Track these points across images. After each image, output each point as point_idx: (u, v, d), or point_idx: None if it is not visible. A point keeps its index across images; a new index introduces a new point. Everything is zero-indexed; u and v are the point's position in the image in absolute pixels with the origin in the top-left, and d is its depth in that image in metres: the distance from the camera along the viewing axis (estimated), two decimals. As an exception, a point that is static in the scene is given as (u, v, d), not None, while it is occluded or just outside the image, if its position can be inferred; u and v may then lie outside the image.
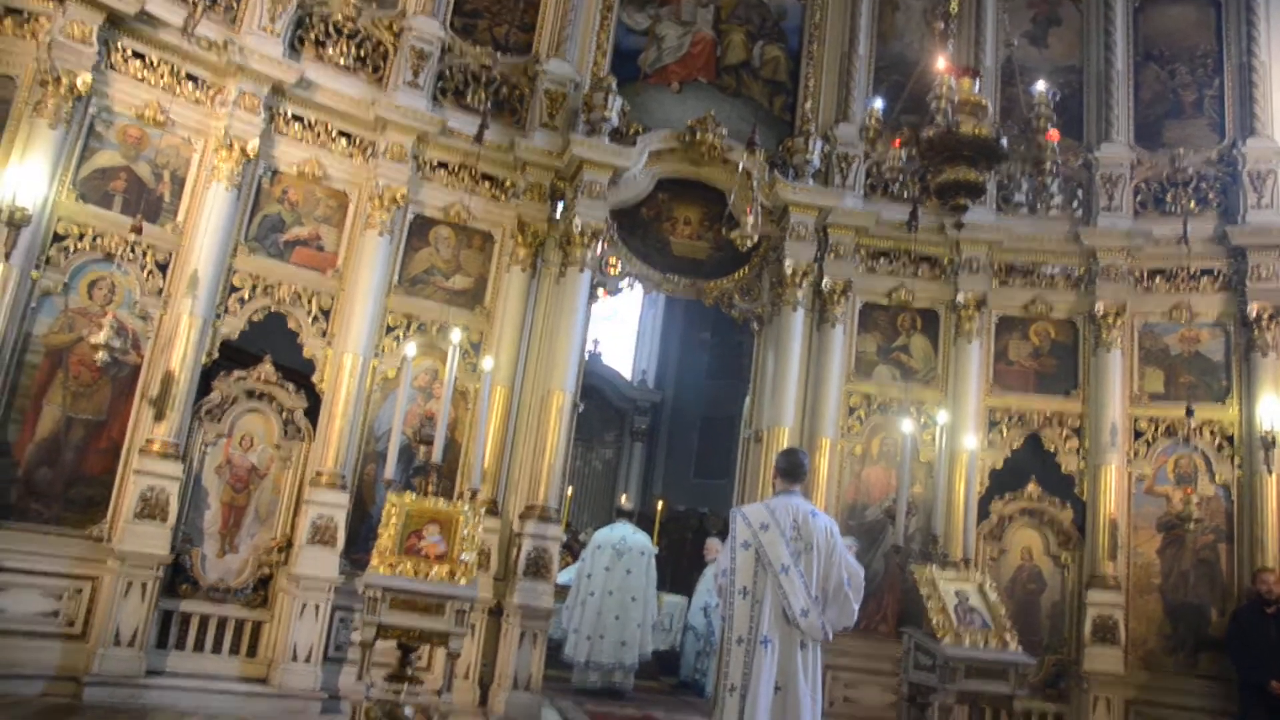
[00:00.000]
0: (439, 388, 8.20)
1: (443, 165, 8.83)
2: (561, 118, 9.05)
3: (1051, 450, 9.33)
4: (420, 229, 8.76)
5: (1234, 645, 8.28)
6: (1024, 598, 9.05)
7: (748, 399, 9.95)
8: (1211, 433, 9.01)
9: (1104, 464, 9.03)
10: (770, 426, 9.17)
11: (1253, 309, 8.94)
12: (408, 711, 6.57)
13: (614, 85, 8.99)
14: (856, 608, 5.46)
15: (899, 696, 7.83)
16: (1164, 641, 8.80)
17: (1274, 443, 8.58)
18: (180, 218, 7.82)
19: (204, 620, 7.63)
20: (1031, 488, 9.26)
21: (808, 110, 9.92)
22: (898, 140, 5.43)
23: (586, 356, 10.24)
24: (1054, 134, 5.11)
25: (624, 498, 12.74)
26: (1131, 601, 8.85)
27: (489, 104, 8.87)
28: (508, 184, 8.98)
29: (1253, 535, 8.63)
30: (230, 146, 7.84)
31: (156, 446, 7.41)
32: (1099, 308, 9.31)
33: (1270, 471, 8.62)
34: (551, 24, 9.31)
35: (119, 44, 7.58)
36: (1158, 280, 9.44)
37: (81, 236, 7.38)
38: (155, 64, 7.74)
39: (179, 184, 7.86)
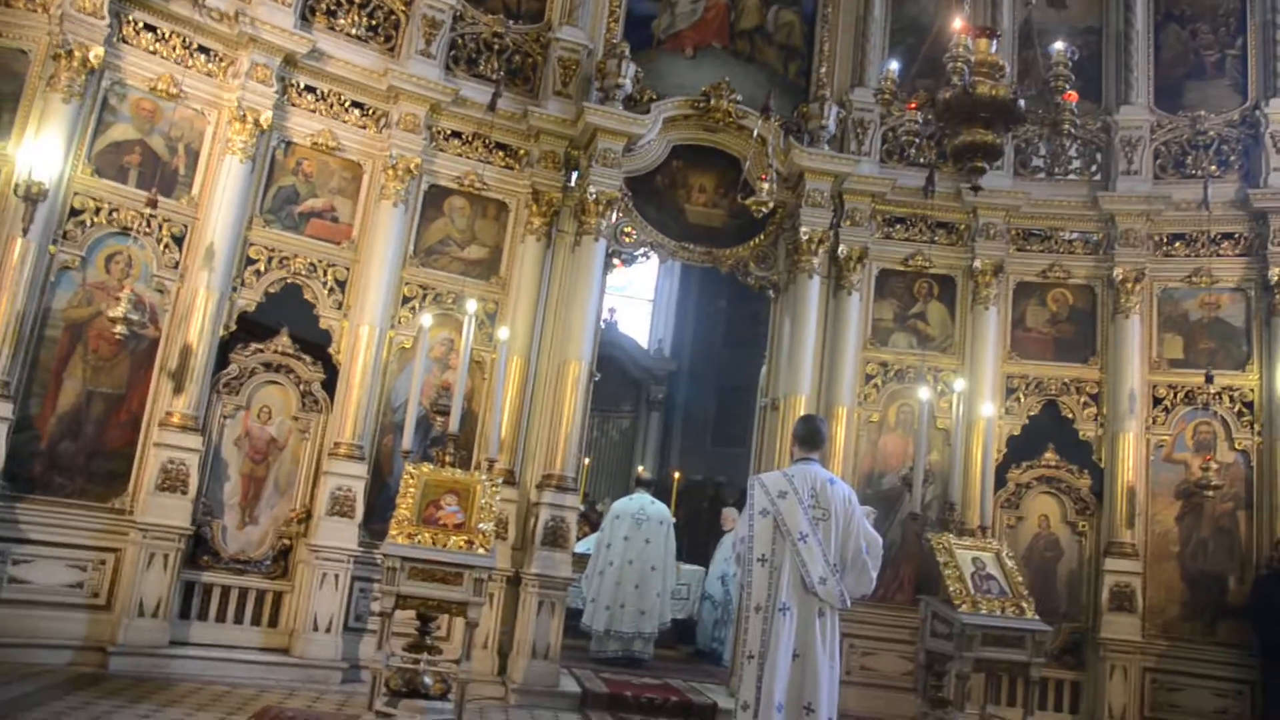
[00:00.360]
0: (455, 358, 8.21)
1: (456, 135, 8.79)
2: (575, 85, 8.99)
3: (1069, 417, 9.28)
4: (435, 199, 8.74)
5: (1256, 613, 8.26)
6: (1041, 565, 9.05)
7: (764, 367, 9.92)
8: (1231, 399, 8.94)
9: (1122, 431, 8.98)
10: (787, 395, 9.15)
11: (1274, 273, 8.83)
12: (427, 680, 6.63)
13: (627, 52, 8.90)
14: (875, 575, 5.46)
15: (916, 664, 7.86)
16: (1182, 609, 8.78)
17: (1294, 409, 8.52)
18: (195, 190, 7.83)
19: (225, 591, 7.72)
20: (1049, 455, 9.23)
21: (823, 75, 9.82)
22: (913, 103, 5.39)
23: (602, 326, 10.24)
24: (1072, 95, 5.04)
25: (642, 469, 12.77)
26: (1149, 569, 8.82)
27: (502, 72, 8.83)
28: (522, 153, 8.94)
29: (1272, 503, 8.59)
30: (244, 118, 7.83)
31: (176, 419, 7.46)
32: (1117, 273, 9.23)
33: (1290, 438, 8.57)
34: (563, -10, 9.23)
35: (130, 16, 7.55)
36: (1177, 245, 9.35)
37: (98, 211, 7.40)
38: (167, 36, 7.71)
39: (193, 157, 7.87)
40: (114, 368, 7.43)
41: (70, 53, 7.09)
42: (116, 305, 7.13)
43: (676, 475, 13.80)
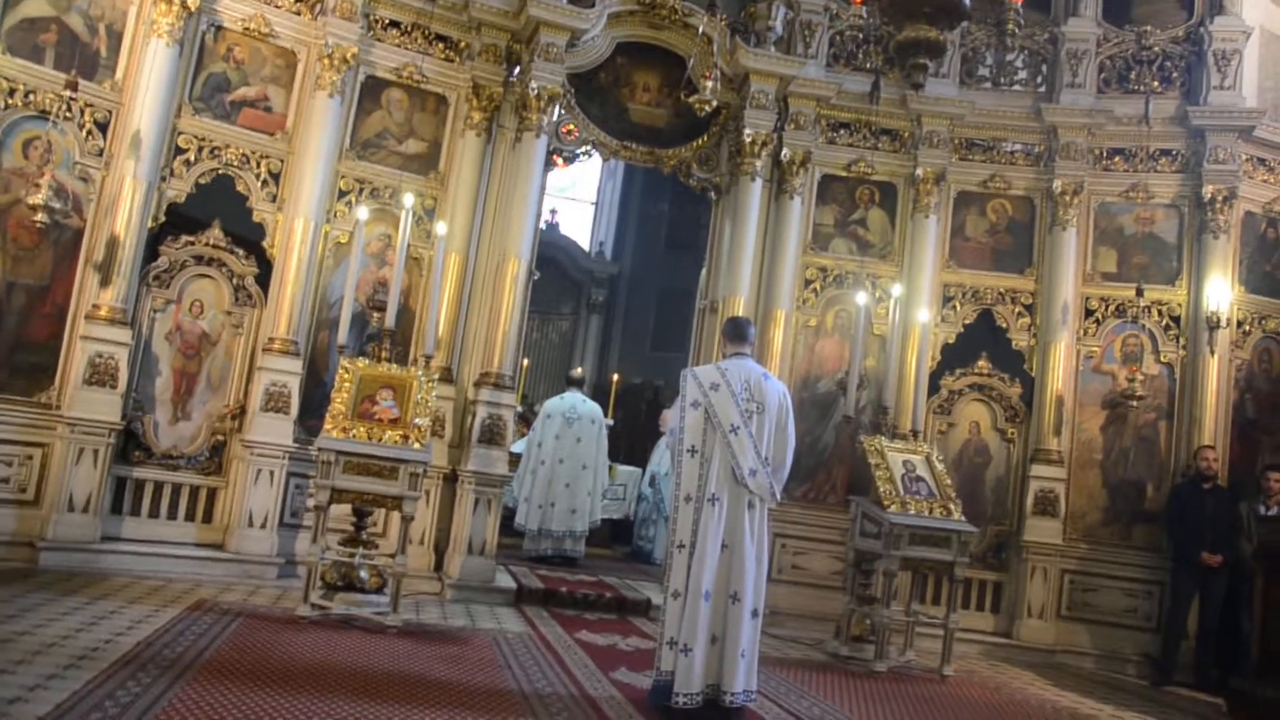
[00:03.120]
0: (392, 254, 8.06)
1: (395, 24, 8.51)
2: (519, -25, 8.73)
3: (1003, 327, 9.42)
4: (372, 91, 8.48)
5: (1171, 518, 8.58)
6: (970, 471, 9.27)
7: (704, 270, 9.91)
8: (1159, 313, 9.15)
9: (1054, 341, 9.16)
10: (725, 297, 9.15)
11: (1207, 191, 8.98)
12: (363, 574, 6.69)
13: (573, -57, 8.65)
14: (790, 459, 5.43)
15: (846, 563, 8.08)
16: (1101, 515, 9.10)
17: (1218, 324, 8.75)
18: (119, 75, 7.49)
19: (158, 487, 7.65)
20: (982, 363, 9.36)
21: (772, -25, 9.62)
22: (859, -1, 5.32)
23: (544, 226, 10.12)
24: (1017, -4, 5.01)
25: (578, 369, 12.77)
26: (1073, 476, 9.10)
27: (442, -42, 8.53)
28: (462, 45, 8.68)
29: (1192, 415, 8.87)
30: (169, -1, 7.49)
31: (103, 312, 7.26)
32: (1057, 185, 9.30)
33: (1213, 353, 8.82)
34: (508, -125, 8.87)
35: (43, -118, 7.13)
36: (1116, 159, 9.43)
37: (12, 92, 7.04)
38: (82, -95, 7.30)
39: (116, 38, 7.50)
40: (36, 258, 7.18)
41: (-26, -82, 6.67)
42: (36, 192, 6.84)
43: (616, 378, 13.85)
